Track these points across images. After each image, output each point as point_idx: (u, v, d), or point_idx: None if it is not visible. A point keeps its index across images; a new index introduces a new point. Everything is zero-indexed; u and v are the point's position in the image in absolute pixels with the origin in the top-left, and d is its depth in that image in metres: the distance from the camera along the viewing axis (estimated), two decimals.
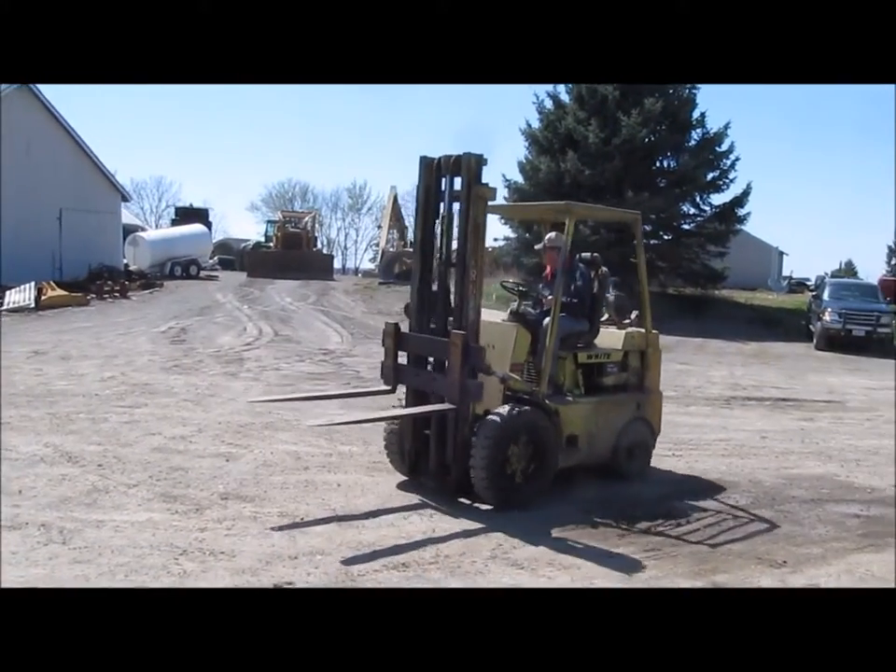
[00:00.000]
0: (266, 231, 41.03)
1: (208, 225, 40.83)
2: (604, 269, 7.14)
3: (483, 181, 5.91)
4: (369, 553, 4.81)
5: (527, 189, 26.74)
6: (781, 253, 57.50)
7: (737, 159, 26.75)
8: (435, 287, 6.33)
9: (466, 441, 5.84)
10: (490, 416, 5.86)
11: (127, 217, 42.63)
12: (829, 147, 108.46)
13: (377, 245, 44.66)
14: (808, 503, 6.39)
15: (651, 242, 26.51)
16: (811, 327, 23.04)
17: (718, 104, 63.02)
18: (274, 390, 10.57)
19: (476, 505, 5.88)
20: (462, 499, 6.00)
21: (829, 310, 21.41)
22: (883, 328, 21.11)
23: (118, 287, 24.23)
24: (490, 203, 6.04)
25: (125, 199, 32.78)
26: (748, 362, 17.40)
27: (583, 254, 7.22)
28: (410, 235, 50.53)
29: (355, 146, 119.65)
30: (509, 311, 6.76)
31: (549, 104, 27.77)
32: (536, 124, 27.85)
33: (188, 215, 42.60)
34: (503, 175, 28.14)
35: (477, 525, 5.46)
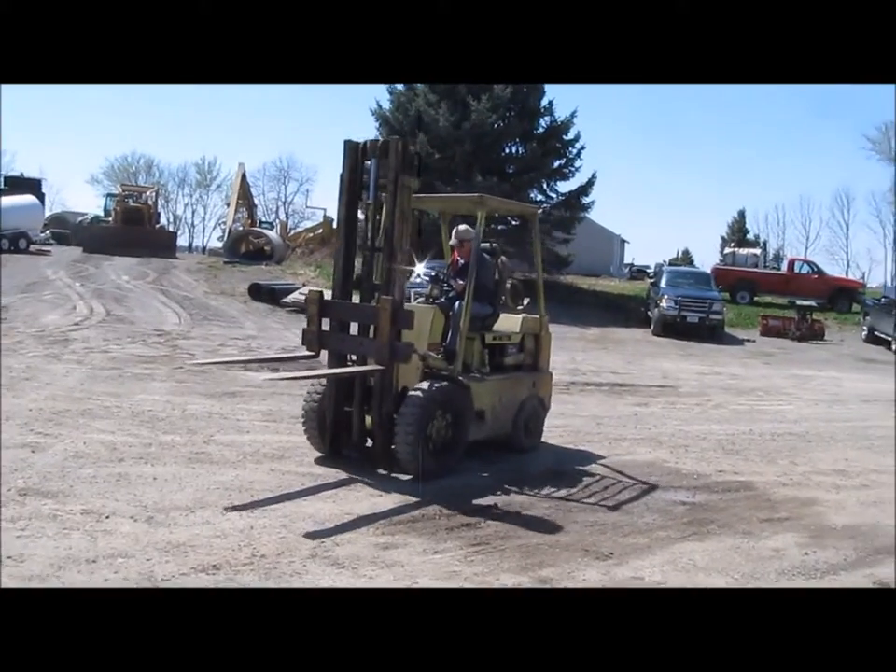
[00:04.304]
0: (105, 205, 38.98)
1: (41, 197, 38.30)
2: (503, 258, 7.77)
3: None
4: (179, 555, 4.46)
5: None
6: (623, 241, 59.55)
7: (583, 147, 27.37)
8: (359, 270, 6.84)
9: (389, 414, 6.29)
10: (413, 392, 6.28)
11: None
12: (667, 138, 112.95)
13: (225, 223, 43.34)
14: (637, 491, 6.44)
15: (499, 227, 26.76)
16: (649, 313, 23.84)
17: (564, 91, 64.38)
18: (100, 374, 9.93)
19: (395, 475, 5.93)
20: (381, 471, 6.36)
21: (666, 297, 22.18)
22: (715, 314, 22.04)
23: None
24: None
25: None
26: (588, 347, 17.80)
27: (483, 244, 7.49)
28: (259, 214, 49.69)
29: (202, 119, 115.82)
30: (424, 296, 7.41)
31: (400, 85, 27.53)
32: (387, 105, 27.59)
33: (17, 185, 39.68)
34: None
35: (299, 517, 5.19)
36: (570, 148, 27.44)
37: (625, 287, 34.21)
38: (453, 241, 7.52)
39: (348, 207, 6.64)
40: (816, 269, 31.05)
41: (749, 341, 22.52)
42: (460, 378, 6.68)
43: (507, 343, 7.52)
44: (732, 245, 45.01)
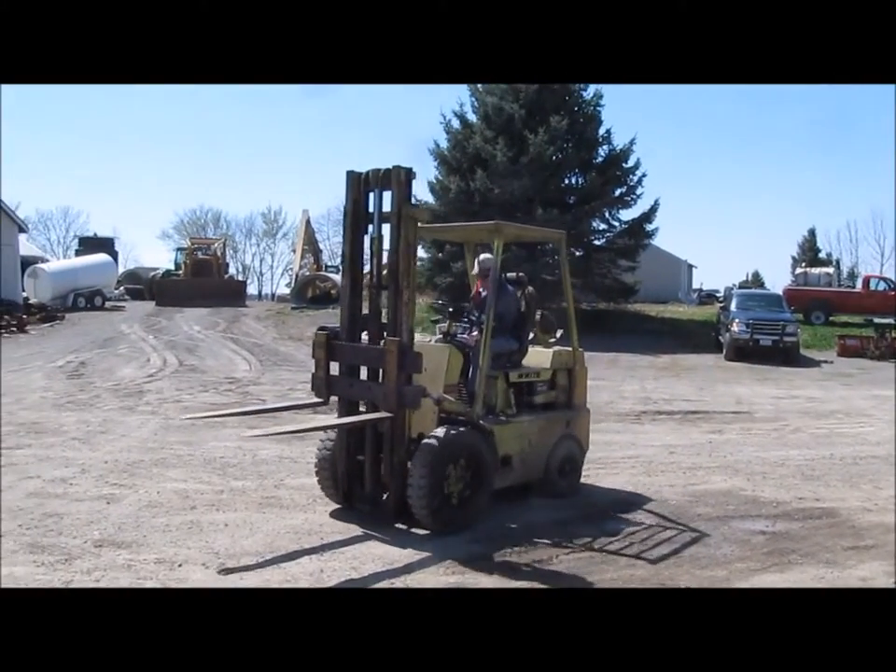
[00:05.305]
0: (175, 259, 40.14)
1: (114, 254, 39.67)
2: (530, 288, 7.19)
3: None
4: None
5: (438, 209, 26.59)
6: (690, 266, 58.71)
7: (644, 175, 27.11)
8: (366, 310, 6.27)
9: (402, 464, 5.80)
10: (427, 440, 5.77)
11: (31, 248, 41.29)
12: (732, 159, 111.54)
13: (292, 269, 44.17)
14: (714, 521, 6.27)
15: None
16: (720, 338, 23.36)
17: (623, 118, 64.19)
18: (172, 424, 10.09)
19: (413, 531, 5.75)
20: (399, 525, 5.87)
21: (736, 321, 21.70)
22: (789, 336, 21.47)
23: (15, 322, 23.21)
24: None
25: (23, 230, 31.55)
26: (659, 375, 17.47)
27: (509, 274, 7.18)
28: (324, 259, 50.45)
29: (268, 170, 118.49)
30: (440, 333, 6.78)
31: (456, 123, 27.76)
32: (444, 144, 27.82)
33: (92, 244, 41.39)
34: (414, 196, 27.86)
35: (368, 558, 5.16)
36: (631, 176, 27.20)
37: (695, 312, 33.63)
38: (475, 270, 7.05)
39: (352, 242, 6.26)
40: (893, 285, 30.12)
41: (826, 362, 21.90)
42: (480, 422, 6.15)
43: (536, 380, 6.93)
44: (803, 264, 44.11)
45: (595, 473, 7.68)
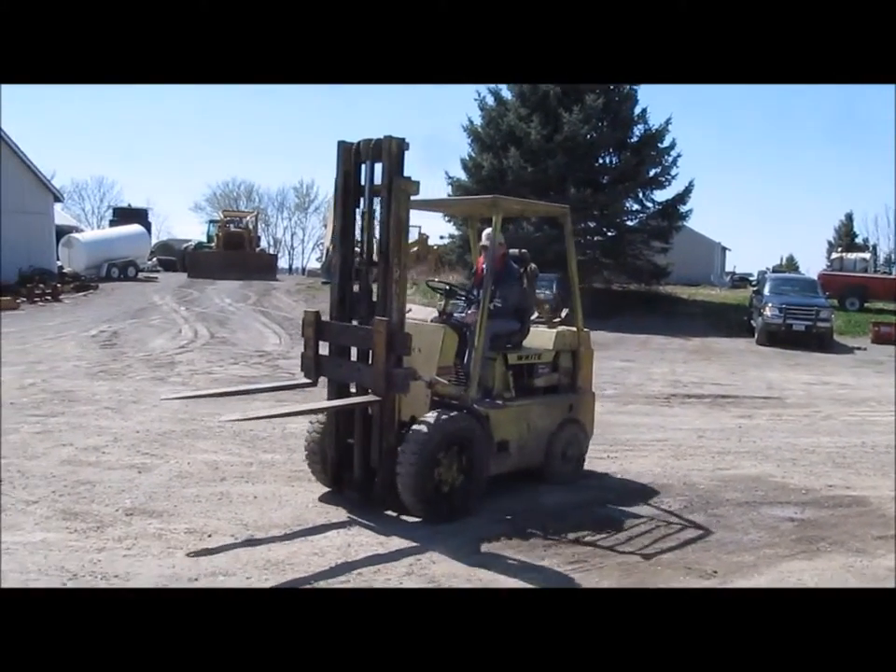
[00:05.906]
0: (208, 231, 40.28)
1: (147, 225, 39.87)
2: (532, 266, 6.90)
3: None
4: (278, 573, 4.52)
5: (471, 186, 26.49)
6: (724, 248, 58.05)
7: (679, 155, 26.80)
8: (357, 288, 5.98)
9: (391, 449, 5.52)
10: (416, 425, 5.52)
11: (66, 218, 41.69)
12: (770, 142, 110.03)
13: (323, 244, 44.18)
14: (742, 506, 6.23)
15: (595, 238, 26.53)
16: (753, 322, 23.15)
17: (659, 99, 63.51)
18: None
19: (403, 518, 5.60)
20: (388, 512, 5.67)
21: (769, 305, 21.47)
22: (823, 322, 21.20)
23: (49, 290, 23.48)
24: (413, 197, 5.70)
25: (58, 199, 31.82)
26: (689, 358, 17.36)
27: (511, 250, 6.94)
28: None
29: (301, 144, 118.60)
30: (437, 312, 6.50)
31: (491, 101, 27.56)
32: (478, 121, 27.64)
33: (126, 215, 41.63)
34: (446, 173, 27.70)
35: (397, 539, 5.18)
36: (666, 156, 26.89)
37: (727, 295, 33.34)
38: (482, 242, 6.68)
39: (344, 216, 5.96)
40: None
41: (859, 349, 21.63)
42: (475, 406, 5.88)
43: (536, 362, 6.62)
44: (839, 249, 43.46)
45: (624, 456, 7.67)
